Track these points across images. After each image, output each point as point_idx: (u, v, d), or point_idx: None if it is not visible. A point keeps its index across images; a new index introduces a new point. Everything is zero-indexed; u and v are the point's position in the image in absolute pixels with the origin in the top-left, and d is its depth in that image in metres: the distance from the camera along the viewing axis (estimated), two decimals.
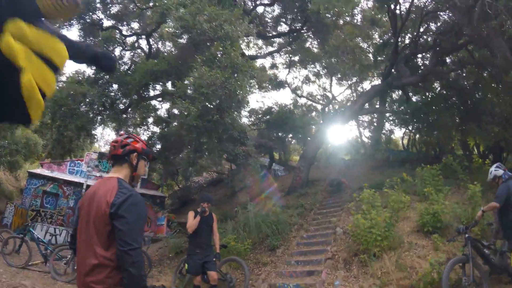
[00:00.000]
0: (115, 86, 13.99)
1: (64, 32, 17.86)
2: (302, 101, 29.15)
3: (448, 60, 16.48)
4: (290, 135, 26.22)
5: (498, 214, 5.86)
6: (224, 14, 10.03)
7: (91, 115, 12.97)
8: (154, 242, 17.02)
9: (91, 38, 15.72)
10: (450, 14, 14.18)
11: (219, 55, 9.83)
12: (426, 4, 15.11)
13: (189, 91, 9.73)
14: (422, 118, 13.98)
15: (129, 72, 13.87)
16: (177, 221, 19.54)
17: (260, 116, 26.12)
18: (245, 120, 29.12)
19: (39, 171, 17.52)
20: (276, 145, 25.62)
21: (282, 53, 20.41)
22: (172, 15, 10.17)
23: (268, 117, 24.95)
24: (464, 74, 15.79)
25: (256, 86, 15.04)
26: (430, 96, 15.40)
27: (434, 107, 13.96)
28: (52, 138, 15.24)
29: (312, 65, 21.60)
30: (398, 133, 32.10)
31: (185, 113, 9.38)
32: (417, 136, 18.52)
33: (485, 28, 11.23)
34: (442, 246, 7.19)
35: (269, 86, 23.76)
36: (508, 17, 10.14)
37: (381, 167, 16.43)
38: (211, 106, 9.78)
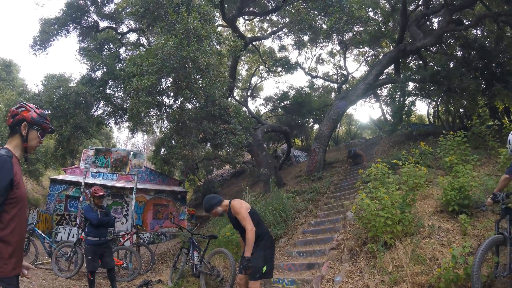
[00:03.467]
0: (111, 83, 12.99)
1: (62, 39, 17.51)
2: (319, 82, 27.04)
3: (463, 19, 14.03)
4: (311, 119, 24.42)
5: None
6: None
7: (87, 114, 11.98)
8: (174, 238, 16.25)
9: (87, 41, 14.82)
10: None
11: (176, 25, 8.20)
12: None
13: (138, 65, 8.17)
14: (442, 83, 11.65)
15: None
16: (196, 215, 18.65)
17: (276, 102, 24.33)
18: (261, 108, 27.67)
19: (61, 177, 17.07)
20: (296, 130, 23.90)
21: (289, 34, 18.44)
22: None
23: (285, 102, 23.25)
24: (484, 33, 13.27)
25: (227, 54, 13.21)
26: (448, 59, 12.94)
27: (453, 72, 11.64)
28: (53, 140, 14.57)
29: (323, 43, 19.49)
30: (423, 108, 29.54)
31: (138, 88, 7.82)
32: (441, 107, 16.17)
33: None
34: (472, 229, 5.26)
35: (279, 69, 21.80)
36: None
37: (403, 142, 14.25)
38: (165, 78, 8.26)
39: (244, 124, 11.23)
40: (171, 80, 8.79)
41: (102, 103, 13.77)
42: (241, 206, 4.42)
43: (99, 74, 13.30)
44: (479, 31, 14.15)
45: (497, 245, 3.90)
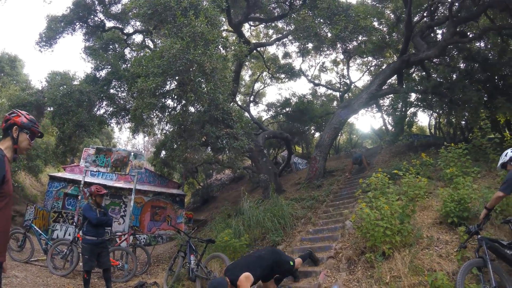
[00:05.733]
0: (115, 83, 13.05)
1: (68, 36, 17.70)
2: (321, 90, 27.11)
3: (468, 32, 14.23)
4: (313, 127, 24.43)
5: None
6: None
7: (90, 113, 12.01)
8: (171, 240, 16.20)
9: (93, 40, 14.93)
10: None
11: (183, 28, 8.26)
12: None
13: (144, 67, 8.24)
14: (445, 95, 11.70)
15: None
16: (194, 219, 18.61)
17: (278, 109, 24.38)
18: (263, 114, 27.73)
19: (60, 174, 17.08)
20: (297, 137, 23.91)
21: (294, 41, 18.52)
22: None
23: (287, 109, 23.28)
24: (488, 46, 13.35)
25: (232, 59, 13.27)
26: (452, 71, 12.96)
27: (456, 84, 11.72)
28: (54, 137, 14.59)
29: (327, 51, 19.61)
30: (425, 119, 29.85)
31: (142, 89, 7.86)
32: (442, 119, 16.22)
33: None
34: (470, 241, 5.25)
35: (283, 75, 21.88)
36: None
37: (404, 153, 14.24)
38: (170, 80, 8.32)
39: (246, 129, 11.28)
40: (176, 82, 8.84)
41: (105, 102, 13.82)
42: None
43: (103, 73, 13.38)
44: (482, 44, 14.23)
45: (479, 267, 4.31)
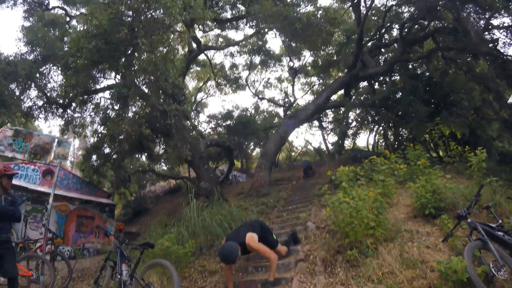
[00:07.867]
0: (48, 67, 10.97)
1: (8, 10, 15.36)
2: (264, 106, 26.64)
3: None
4: (253, 142, 23.55)
5: None
6: None
7: (15, 90, 9.87)
8: (99, 254, 13.78)
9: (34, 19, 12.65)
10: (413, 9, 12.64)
11: None
12: None
13: None
14: (392, 108, 11.80)
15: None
16: (125, 231, 16.34)
17: (220, 121, 23.16)
18: (204, 126, 26.43)
19: None
20: (237, 151, 22.78)
21: (243, 53, 17.86)
22: None
23: (228, 122, 22.14)
24: (430, 69, 14.04)
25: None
26: (397, 88, 13.21)
27: (402, 99, 12.01)
28: None
29: (274, 68, 19.31)
30: (362, 140, 30.84)
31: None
32: (379, 136, 16.44)
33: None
34: (455, 231, 4.72)
35: (228, 86, 20.96)
36: None
37: (350, 164, 13.79)
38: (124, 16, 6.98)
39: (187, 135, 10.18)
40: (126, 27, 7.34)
41: (35, 93, 11.59)
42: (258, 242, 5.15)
43: (37, 53, 11.19)
44: (425, 67, 14.83)
45: (479, 249, 4.04)
